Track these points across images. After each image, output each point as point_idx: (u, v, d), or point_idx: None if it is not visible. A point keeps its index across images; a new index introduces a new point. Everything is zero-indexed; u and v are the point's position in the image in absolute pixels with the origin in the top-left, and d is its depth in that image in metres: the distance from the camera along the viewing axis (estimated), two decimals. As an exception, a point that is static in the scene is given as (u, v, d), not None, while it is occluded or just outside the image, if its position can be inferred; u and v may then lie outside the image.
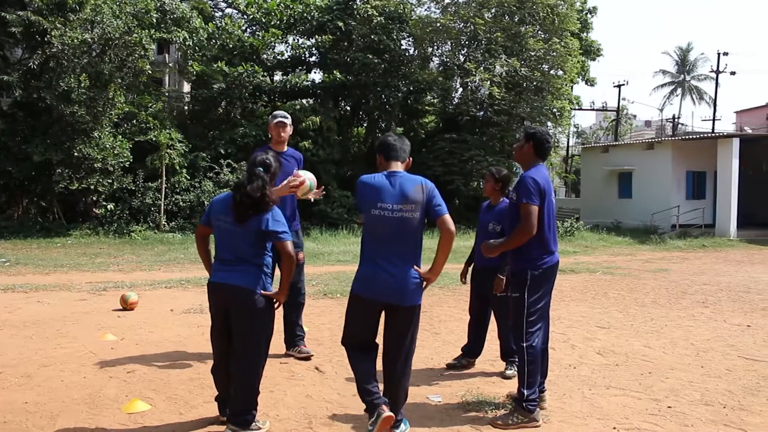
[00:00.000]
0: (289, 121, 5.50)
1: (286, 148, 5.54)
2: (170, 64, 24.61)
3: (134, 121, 19.07)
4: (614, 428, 4.02)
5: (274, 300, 3.86)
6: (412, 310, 3.70)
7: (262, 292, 3.78)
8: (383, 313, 3.76)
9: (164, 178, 18.64)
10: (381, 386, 3.78)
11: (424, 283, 3.70)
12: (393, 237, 3.60)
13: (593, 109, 48.31)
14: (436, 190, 3.70)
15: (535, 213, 3.99)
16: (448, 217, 3.63)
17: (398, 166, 3.74)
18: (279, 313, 4.11)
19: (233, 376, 3.80)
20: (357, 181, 3.76)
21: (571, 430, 4.00)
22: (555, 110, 23.67)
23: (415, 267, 3.67)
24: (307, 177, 4.92)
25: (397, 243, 3.61)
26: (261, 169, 3.80)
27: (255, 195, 3.70)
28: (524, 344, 4.08)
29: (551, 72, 23.35)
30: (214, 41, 21.79)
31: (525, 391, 4.04)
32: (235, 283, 3.73)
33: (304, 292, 5.70)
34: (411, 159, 3.85)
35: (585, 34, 28.25)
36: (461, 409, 4.34)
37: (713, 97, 44.36)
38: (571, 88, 26.72)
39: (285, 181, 4.81)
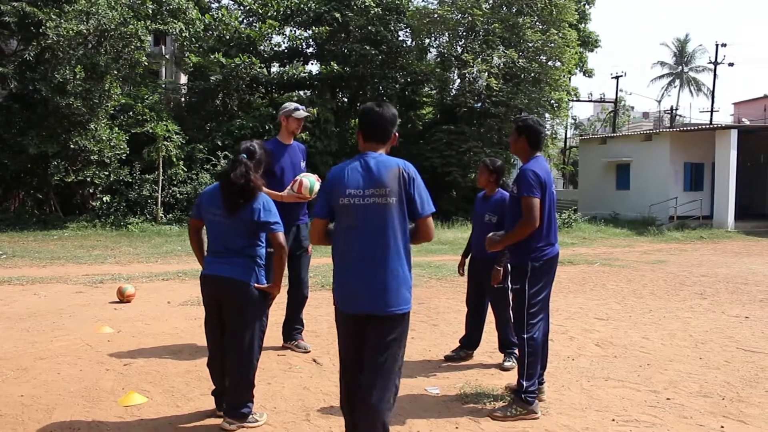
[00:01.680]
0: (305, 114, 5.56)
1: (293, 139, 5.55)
2: (167, 56, 24.51)
3: (131, 113, 18.98)
4: (613, 420, 4.01)
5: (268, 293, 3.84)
6: (396, 320, 3.06)
7: (256, 285, 3.75)
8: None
9: (161, 170, 18.57)
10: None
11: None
12: (367, 229, 3.03)
13: (591, 101, 48.24)
14: (419, 179, 3.09)
15: (536, 206, 3.96)
16: (430, 220, 3.10)
17: (379, 149, 3.16)
18: (276, 306, 4.09)
19: (228, 369, 3.78)
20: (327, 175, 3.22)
21: (569, 422, 3.99)
22: (553, 101, 23.59)
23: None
24: (303, 177, 4.99)
25: (372, 236, 3.03)
26: (244, 155, 3.76)
27: (239, 182, 3.65)
28: (525, 336, 4.06)
29: (549, 63, 23.26)
30: (210, 32, 21.67)
31: (524, 383, 4.02)
32: (228, 275, 3.71)
33: (308, 285, 5.68)
34: (396, 134, 3.24)
35: (583, 25, 28.15)
36: (459, 401, 4.33)
37: (711, 88, 44.35)
38: (569, 79, 26.66)
39: (287, 190, 4.99)
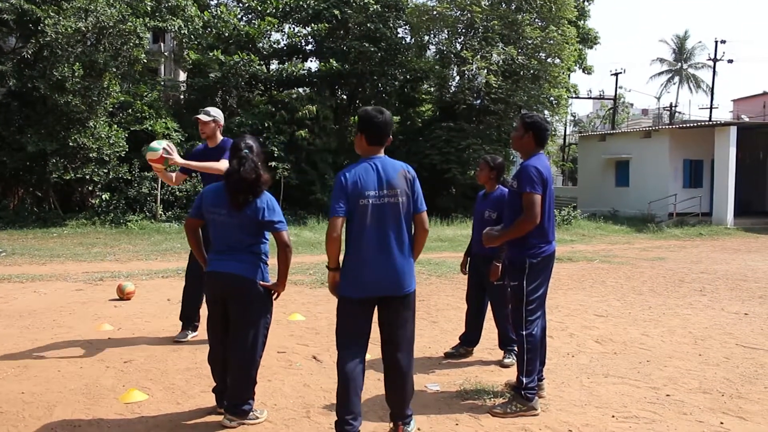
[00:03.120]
0: (206, 117, 5.47)
1: (219, 140, 5.54)
2: (165, 53, 24.43)
3: (130, 110, 18.96)
4: (612, 416, 4.02)
5: (273, 291, 3.84)
6: (409, 298, 3.59)
7: (261, 282, 3.75)
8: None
9: (160, 168, 18.53)
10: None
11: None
12: (382, 225, 3.46)
13: (590, 98, 48.19)
14: (417, 180, 3.59)
15: (538, 202, 3.96)
16: (425, 215, 3.61)
17: (380, 151, 3.57)
18: (277, 304, 4.09)
19: (231, 366, 3.78)
20: (337, 177, 3.51)
21: (569, 418, 4.00)
22: (552, 98, 23.59)
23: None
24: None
25: (386, 231, 3.47)
26: (247, 151, 3.76)
27: (250, 177, 3.66)
28: (524, 332, 4.06)
29: (548, 60, 23.25)
30: (209, 30, 21.63)
31: (524, 380, 4.03)
32: (233, 271, 3.71)
33: None
34: (391, 137, 3.65)
35: (582, 21, 28.14)
36: (459, 398, 4.34)
37: (710, 85, 44.39)
38: (569, 76, 26.65)
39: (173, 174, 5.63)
